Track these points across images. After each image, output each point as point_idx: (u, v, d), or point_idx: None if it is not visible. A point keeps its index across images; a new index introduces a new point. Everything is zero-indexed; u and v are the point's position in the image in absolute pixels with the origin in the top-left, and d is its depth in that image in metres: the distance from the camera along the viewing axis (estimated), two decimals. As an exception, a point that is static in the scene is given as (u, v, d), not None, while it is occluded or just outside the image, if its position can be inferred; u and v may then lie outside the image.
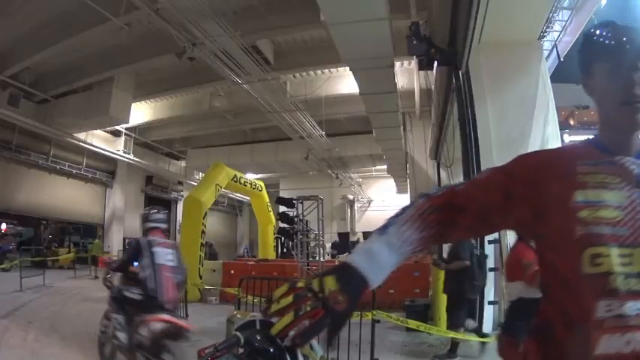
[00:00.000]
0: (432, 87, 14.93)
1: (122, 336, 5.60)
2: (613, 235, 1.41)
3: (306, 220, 14.32)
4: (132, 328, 5.56)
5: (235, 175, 19.52)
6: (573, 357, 1.41)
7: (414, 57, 12.62)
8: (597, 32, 1.58)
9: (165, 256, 5.66)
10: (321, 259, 14.39)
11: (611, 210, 1.45)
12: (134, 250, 5.74)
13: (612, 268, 1.36)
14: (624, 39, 1.53)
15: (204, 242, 16.74)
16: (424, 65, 10.98)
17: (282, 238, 20.62)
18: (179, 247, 6.42)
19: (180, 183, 35.30)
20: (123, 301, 5.74)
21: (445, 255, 9.10)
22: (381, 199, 34.32)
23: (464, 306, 7.69)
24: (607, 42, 1.55)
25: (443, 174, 17.47)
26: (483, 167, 6.84)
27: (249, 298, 8.35)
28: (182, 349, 5.56)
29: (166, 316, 5.43)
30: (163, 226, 6.17)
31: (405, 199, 24.46)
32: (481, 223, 1.64)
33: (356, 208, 35.67)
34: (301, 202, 13.93)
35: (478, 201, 1.59)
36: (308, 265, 13.84)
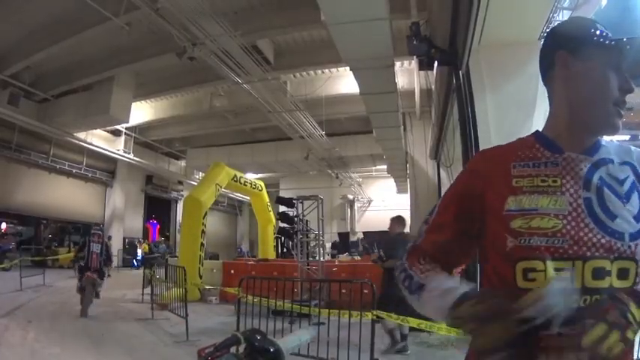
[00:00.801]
0: (432, 87, 14.93)
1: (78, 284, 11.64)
2: (549, 247, 1.33)
3: (306, 220, 14.32)
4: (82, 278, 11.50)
5: (235, 175, 19.52)
6: None
7: (414, 57, 12.60)
8: (597, 31, 1.50)
9: (94, 245, 11.99)
10: (321, 259, 14.36)
11: (547, 219, 1.36)
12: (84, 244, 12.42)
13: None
14: (624, 41, 1.46)
15: (204, 242, 16.75)
16: (424, 65, 10.95)
17: (282, 238, 20.58)
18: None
19: (180, 182, 35.32)
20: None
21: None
22: (381, 199, 34.37)
23: (391, 303, 7.34)
24: (606, 42, 1.47)
25: (443, 174, 17.48)
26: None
27: (249, 298, 8.34)
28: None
29: (90, 274, 11.43)
30: (99, 232, 12.68)
31: (405, 199, 24.41)
32: (465, 251, 1.63)
33: (356, 207, 35.74)
34: (301, 202, 13.93)
35: (440, 245, 1.58)
36: (308, 265, 13.85)
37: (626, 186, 1.47)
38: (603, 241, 1.36)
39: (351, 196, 34.70)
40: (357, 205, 35.65)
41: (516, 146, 1.55)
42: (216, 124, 25.82)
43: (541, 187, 1.41)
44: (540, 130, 1.60)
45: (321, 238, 14.10)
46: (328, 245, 22.17)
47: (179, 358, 7.84)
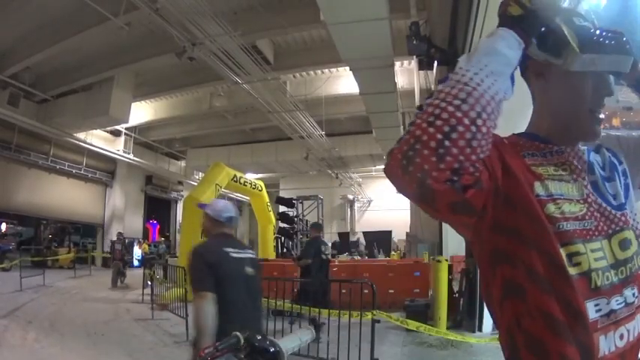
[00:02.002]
0: (432, 87, 14.92)
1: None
2: (582, 230, 1.33)
3: (306, 220, 14.35)
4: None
5: (235, 175, 19.50)
6: None
7: (414, 57, 12.62)
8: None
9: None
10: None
11: (574, 204, 1.36)
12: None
13: (590, 265, 1.28)
14: (612, 42, 1.36)
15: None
16: (424, 65, 10.98)
17: (282, 238, 20.60)
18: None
19: (180, 183, 35.27)
20: None
21: None
22: (381, 199, 34.32)
23: (308, 297, 8.92)
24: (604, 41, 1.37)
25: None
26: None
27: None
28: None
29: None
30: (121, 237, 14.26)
31: (405, 199, 24.41)
32: None
33: (356, 208, 35.66)
34: (301, 202, 13.98)
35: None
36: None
37: (607, 166, 1.52)
38: (619, 214, 1.42)
39: (351, 196, 34.64)
40: (357, 205, 35.57)
41: (513, 140, 1.49)
42: (216, 125, 25.83)
43: (557, 175, 1.39)
44: (525, 128, 1.58)
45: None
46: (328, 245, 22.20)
47: (179, 358, 7.84)
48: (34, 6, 14.69)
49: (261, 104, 17.69)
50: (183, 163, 34.58)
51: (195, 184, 27.35)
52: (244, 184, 20.82)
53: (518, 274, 1.30)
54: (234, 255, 3.49)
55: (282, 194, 27.92)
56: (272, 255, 21.68)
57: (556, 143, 1.47)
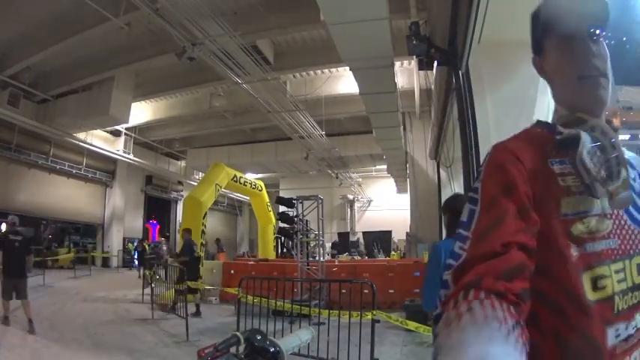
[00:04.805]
0: (432, 87, 14.93)
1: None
2: (608, 249, 1.22)
3: (306, 220, 14.34)
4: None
5: (235, 175, 19.53)
6: None
7: (414, 57, 12.61)
8: (543, 6, 1.45)
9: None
10: (321, 259, 14.38)
11: (601, 220, 1.23)
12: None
13: (614, 289, 1.19)
14: (571, 6, 1.36)
15: (204, 242, 16.78)
16: (424, 65, 10.95)
17: (282, 238, 20.60)
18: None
19: (180, 183, 35.30)
20: None
21: None
22: (381, 198, 34.39)
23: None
24: (554, 13, 1.40)
25: (443, 174, 17.50)
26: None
27: (250, 298, 8.35)
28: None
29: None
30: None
31: (405, 199, 24.48)
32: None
33: (356, 207, 35.68)
34: (301, 202, 13.94)
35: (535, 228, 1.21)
36: (308, 265, 13.88)
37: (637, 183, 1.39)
38: None
39: (351, 196, 34.66)
40: (357, 205, 35.59)
41: (538, 140, 1.37)
42: (215, 125, 25.80)
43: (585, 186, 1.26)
44: (550, 120, 1.47)
45: (321, 238, 14.11)
46: (328, 245, 22.19)
47: (179, 358, 7.85)
48: (34, 6, 14.69)
49: (261, 104, 17.67)
50: (183, 163, 34.62)
51: (195, 184, 27.35)
52: (244, 184, 20.87)
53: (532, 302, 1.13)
54: None
55: (282, 194, 27.89)
56: (272, 255, 21.72)
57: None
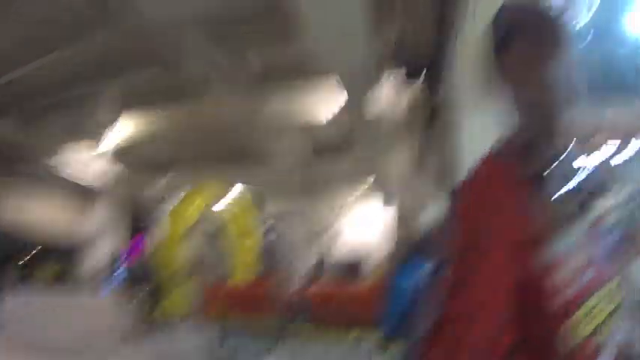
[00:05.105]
0: (413, 101, 14.98)
1: None
2: (582, 288, 1.13)
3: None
4: None
5: (218, 194, 19.47)
6: None
7: (397, 70, 12.67)
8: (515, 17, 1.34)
9: None
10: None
11: (576, 256, 1.15)
12: None
13: (587, 328, 1.12)
14: (543, 21, 1.28)
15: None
16: (405, 79, 11.02)
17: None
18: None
19: (162, 201, 35.02)
20: None
21: None
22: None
23: None
24: (528, 24, 1.30)
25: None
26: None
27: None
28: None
29: None
30: None
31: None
32: None
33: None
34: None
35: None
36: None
37: None
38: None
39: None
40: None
41: (502, 166, 1.27)
42: (200, 142, 25.63)
43: (558, 221, 1.16)
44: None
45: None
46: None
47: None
48: (13, 21, 14.56)
49: (245, 121, 17.65)
50: (166, 182, 34.35)
51: (177, 204, 27.16)
52: (228, 203, 20.83)
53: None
54: None
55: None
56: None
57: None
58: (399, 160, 21.17)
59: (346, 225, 35.53)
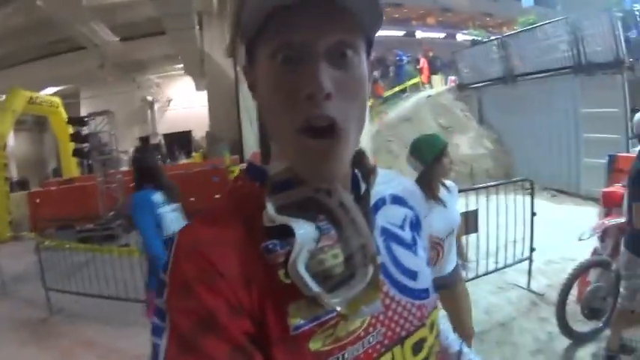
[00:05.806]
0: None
1: None
2: (369, 349, 0.89)
3: (105, 134, 14.33)
4: None
5: (31, 97, 18.79)
6: None
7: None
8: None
9: None
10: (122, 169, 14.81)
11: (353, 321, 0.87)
12: None
13: None
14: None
15: (8, 176, 16.49)
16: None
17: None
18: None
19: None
20: None
21: None
22: (181, 97, 34.06)
23: None
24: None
25: (240, 71, 17.94)
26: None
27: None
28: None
29: None
30: None
31: (204, 96, 24.88)
32: None
33: (156, 108, 35.09)
34: (93, 119, 13.88)
35: None
36: (107, 185, 14.09)
37: (407, 228, 1.10)
38: (417, 304, 1.01)
39: (150, 98, 33.86)
40: (157, 105, 34.73)
41: (248, 210, 0.90)
42: (9, 44, 24.10)
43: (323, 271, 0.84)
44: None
45: (116, 152, 14.56)
46: (131, 151, 22.23)
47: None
48: None
49: (56, 17, 16.94)
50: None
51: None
52: (41, 104, 20.14)
53: None
54: None
55: (83, 104, 27.37)
56: (76, 172, 22.06)
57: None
58: (212, 41, 21.33)
59: (167, 103, 35.55)
